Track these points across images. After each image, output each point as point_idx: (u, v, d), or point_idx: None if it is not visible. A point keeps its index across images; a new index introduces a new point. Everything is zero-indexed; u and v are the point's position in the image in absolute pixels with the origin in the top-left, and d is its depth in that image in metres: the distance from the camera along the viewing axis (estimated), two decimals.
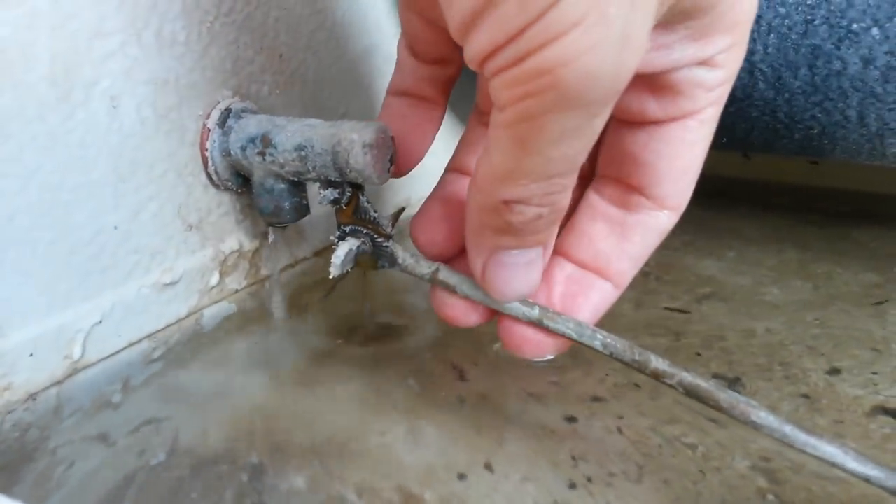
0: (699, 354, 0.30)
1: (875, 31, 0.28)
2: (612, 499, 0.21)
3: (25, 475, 0.22)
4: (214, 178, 0.30)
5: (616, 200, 0.22)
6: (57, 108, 0.24)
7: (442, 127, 0.25)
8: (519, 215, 0.17)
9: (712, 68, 0.19)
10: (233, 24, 0.30)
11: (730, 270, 0.39)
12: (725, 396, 0.20)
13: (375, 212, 0.25)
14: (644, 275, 0.38)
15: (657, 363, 0.21)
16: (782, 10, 0.30)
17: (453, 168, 0.25)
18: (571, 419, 0.25)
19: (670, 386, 0.21)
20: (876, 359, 0.29)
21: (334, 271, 0.25)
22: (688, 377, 0.20)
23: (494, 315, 0.23)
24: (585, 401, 0.26)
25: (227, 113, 0.29)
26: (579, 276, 0.23)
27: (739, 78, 0.28)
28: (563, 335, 0.22)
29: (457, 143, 0.25)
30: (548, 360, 0.29)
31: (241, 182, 0.31)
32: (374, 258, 0.25)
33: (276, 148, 0.27)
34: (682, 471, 0.22)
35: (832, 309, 0.33)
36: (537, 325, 0.22)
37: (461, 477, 0.22)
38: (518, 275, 0.19)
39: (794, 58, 0.31)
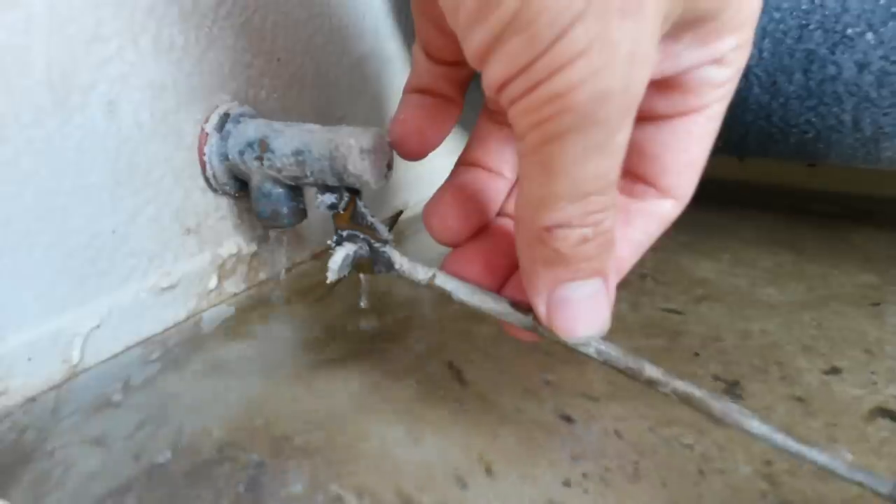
0: (696, 355, 0.30)
1: (869, 35, 0.29)
2: (609, 499, 0.21)
3: (23, 477, 0.22)
4: (212, 182, 0.30)
5: (621, 188, 0.22)
6: (54, 113, 0.24)
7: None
8: (563, 241, 0.17)
9: (720, 67, 0.19)
10: (231, 28, 0.30)
11: (726, 272, 0.39)
12: (719, 405, 0.20)
13: (373, 216, 0.26)
14: (640, 276, 0.38)
15: (651, 371, 0.21)
16: (777, 15, 0.31)
17: (464, 162, 0.25)
18: (569, 419, 0.25)
19: (664, 394, 0.21)
20: (871, 360, 0.29)
21: (331, 276, 0.25)
22: (681, 385, 0.20)
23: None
24: (583, 400, 0.26)
25: (225, 117, 0.29)
26: None
27: None
28: (557, 342, 0.22)
29: (456, 154, 0.25)
30: (545, 359, 0.29)
31: (239, 186, 0.31)
32: (371, 263, 0.26)
33: (273, 153, 0.27)
34: (680, 471, 0.23)
35: (828, 310, 0.34)
36: (532, 331, 0.22)
37: (459, 478, 0.22)
38: (583, 311, 0.19)
39: (788, 62, 0.31)
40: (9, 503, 0.21)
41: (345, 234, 0.26)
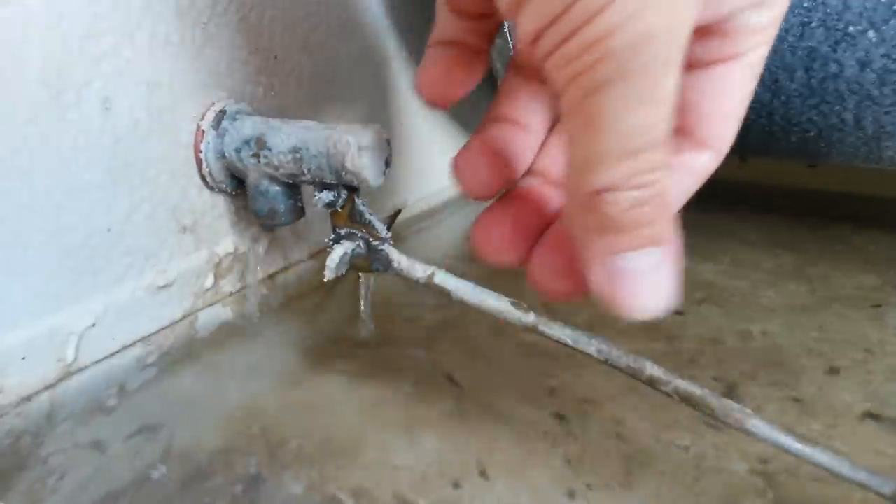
0: (696, 357, 0.29)
1: (871, 33, 0.28)
2: (606, 502, 0.21)
3: (17, 483, 0.22)
4: (209, 179, 0.30)
5: None
6: (49, 110, 0.24)
7: (444, 133, 0.25)
8: (614, 205, 0.15)
9: (761, 10, 0.18)
10: (227, 24, 0.30)
11: (726, 273, 0.39)
12: (719, 404, 0.20)
13: (371, 214, 0.25)
14: None
15: (652, 370, 0.21)
16: None
17: (492, 118, 0.24)
18: (565, 421, 0.25)
19: (665, 393, 0.20)
20: (872, 362, 0.29)
21: (329, 274, 0.24)
22: (682, 384, 0.20)
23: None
24: (579, 403, 0.26)
25: (221, 114, 0.29)
26: None
27: None
28: (558, 342, 0.22)
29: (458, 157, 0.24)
30: (544, 362, 0.29)
31: (235, 184, 0.30)
32: (368, 261, 0.25)
33: (270, 150, 0.26)
34: (677, 473, 0.22)
35: (829, 312, 0.33)
36: (532, 331, 0.22)
37: (455, 482, 0.22)
38: (644, 284, 0.17)
39: (790, 60, 0.31)
40: None
41: (343, 232, 0.25)
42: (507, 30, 0.37)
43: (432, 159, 0.26)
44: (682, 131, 0.20)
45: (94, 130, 0.26)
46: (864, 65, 0.29)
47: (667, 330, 0.32)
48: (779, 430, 0.19)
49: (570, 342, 0.22)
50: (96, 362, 0.27)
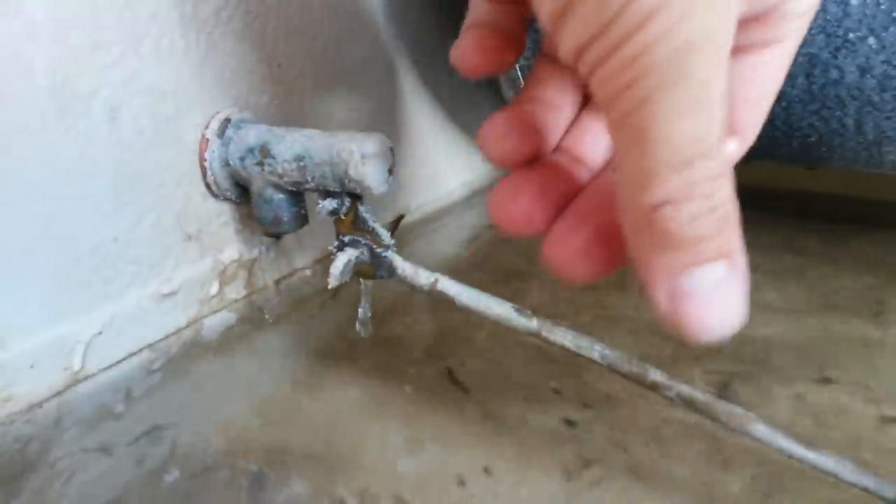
0: (696, 359, 0.30)
1: (871, 40, 0.29)
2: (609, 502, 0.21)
3: (27, 487, 0.22)
4: (213, 188, 0.30)
5: None
6: (56, 120, 0.24)
7: (448, 139, 0.25)
8: (672, 220, 0.15)
9: None
10: (231, 34, 0.30)
11: None
12: (722, 408, 0.20)
13: (375, 221, 0.26)
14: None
15: (655, 375, 0.21)
16: None
17: (521, 100, 0.23)
18: (571, 423, 0.25)
19: (668, 398, 0.21)
20: (872, 364, 0.29)
21: (332, 282, 0.25)
22: (686, 389, 0.20)
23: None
24: (585, 405, 0.26)
25: (225, 123, 0.29)
26: None
27: None
28: (561, 347, 0.22)
29: (462, 160, 0.24)
30: (547, 365, 0.29)
31: (240, 192, 0.31)
32: (372, 268, 0.26)
33: (274, 158, 0.27)
34: (684, 475, 0.22)
35: (829, 315, 0.33)
36: (535, 336, 0.22)
37: (460, 483, 0.22)
38: (711, 303, 0.15)
39: (791, 67, 0.31)
40: None
41: (346, 239, 0.26)
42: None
43: (435, 166, 0.26)
44: None
45: (101, 140, 0.26)
46: (864, 71, 0.29)
47: (667, 330, 0.32)
48: (782, 434, 0.19)
49: (573, 347, 0.22)
50: (103, 369, 0.28)
